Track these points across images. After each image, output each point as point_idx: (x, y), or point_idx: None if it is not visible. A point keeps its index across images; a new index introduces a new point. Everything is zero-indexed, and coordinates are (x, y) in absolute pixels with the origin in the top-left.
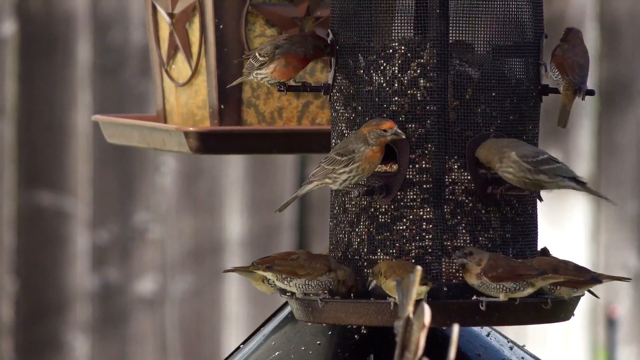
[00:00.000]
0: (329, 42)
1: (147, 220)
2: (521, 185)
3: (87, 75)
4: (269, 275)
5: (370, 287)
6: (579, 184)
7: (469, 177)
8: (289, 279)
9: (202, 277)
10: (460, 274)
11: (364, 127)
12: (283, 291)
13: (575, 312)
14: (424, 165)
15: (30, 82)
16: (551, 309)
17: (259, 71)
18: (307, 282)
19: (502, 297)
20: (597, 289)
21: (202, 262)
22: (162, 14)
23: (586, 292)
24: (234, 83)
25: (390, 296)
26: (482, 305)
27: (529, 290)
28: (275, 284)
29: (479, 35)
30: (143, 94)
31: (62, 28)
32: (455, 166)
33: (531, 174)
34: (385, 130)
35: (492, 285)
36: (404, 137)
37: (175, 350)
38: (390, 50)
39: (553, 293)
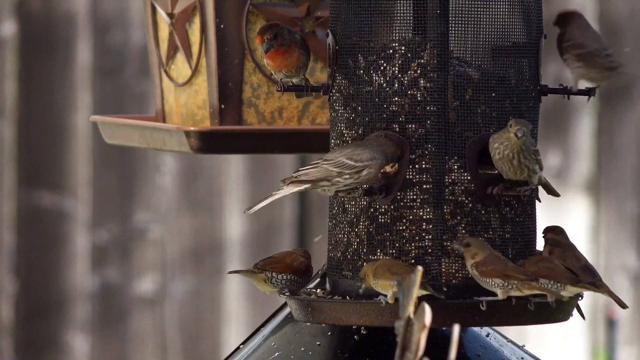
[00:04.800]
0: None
1: (147, 220)
2: (506, 166)
3: (87, 76)
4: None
5: (361, 292)
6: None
7: (468, 178)
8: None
9: (202, 277)
10: (460, 275)
11: (387, 146)
12: (282, 291)
13: (573, 312)
14: (424, 166)
15: (30, 82)
16: (551, 309)
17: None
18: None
19: (500, 295)
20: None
21: (202, 262)
22: (162, 14)
23: (583, 295)
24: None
25: (381, 294)
26: (483, 305)
27: (517, 294)
28: (278, 284)
29: (479, 36)
30: (143, 94)
31: (62, 28)
32: (455, 166)
33: (532, 164)
34: (400, 156)
35: (482, 278)
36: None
37: (175, 350)
38: (390, 51)
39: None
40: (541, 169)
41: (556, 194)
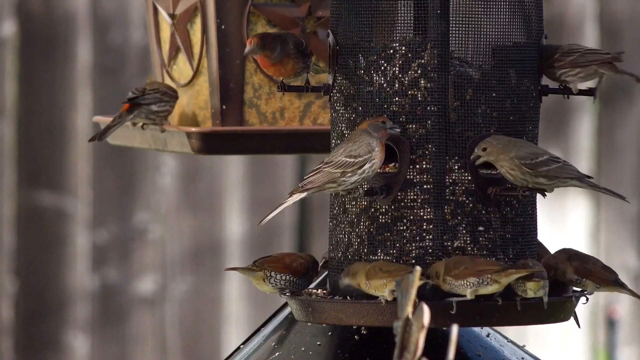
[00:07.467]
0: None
1: (147, 220)
2: (522, 185)
3: (87, 76)
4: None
5: (342, 287)
6: (582, 182)
7: (469, 178)
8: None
9: (202, 277)
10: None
11: (360, 125)
12: (283, 291)
13: (574, 312)
14: (424, 166)
15: (30, 82)
16: (550, 309)
17: None
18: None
19: (468, 295)
20: (596, 293)
21: (202, 262)
22: (163, 15)
23: (577, 306)
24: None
25: (378, 296)
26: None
27: (495, 287)
28: (277, 284)
29: (480, 36)
30: None
31: (62, 28)
32: (456, 167)
33: (531, 177)
34: (383, 122)
35: (457, 283)
36: (399, 130)
37: (175, 350)
38: (391, 51)
39: (579, 285)
40: (557, 177)
41: (610, 193)
